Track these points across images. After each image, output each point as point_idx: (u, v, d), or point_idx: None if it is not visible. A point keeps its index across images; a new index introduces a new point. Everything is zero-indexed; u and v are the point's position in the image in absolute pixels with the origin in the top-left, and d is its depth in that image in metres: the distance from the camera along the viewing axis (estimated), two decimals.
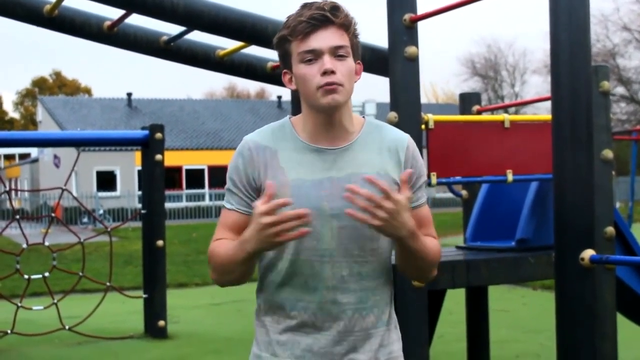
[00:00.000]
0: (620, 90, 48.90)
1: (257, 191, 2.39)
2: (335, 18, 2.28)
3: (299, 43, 2.30)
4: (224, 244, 2.36)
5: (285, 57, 2.36)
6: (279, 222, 2.11)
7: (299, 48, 2.30)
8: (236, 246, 2.26)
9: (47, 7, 4.65)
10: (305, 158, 2.36)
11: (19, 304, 5.04)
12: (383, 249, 2.40)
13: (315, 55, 2.28)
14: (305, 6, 2.32)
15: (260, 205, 2.14)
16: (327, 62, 2.26)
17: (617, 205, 28.75)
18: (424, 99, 62.43)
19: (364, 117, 2.46)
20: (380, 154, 2.39)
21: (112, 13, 4.69)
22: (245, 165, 2.39)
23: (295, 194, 2.31)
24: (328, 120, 2.34)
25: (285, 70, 2.39)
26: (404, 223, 2.19)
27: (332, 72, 2.26)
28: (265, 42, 4.58)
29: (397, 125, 4.15)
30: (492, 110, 8.54)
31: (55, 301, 5.12)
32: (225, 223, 2.43)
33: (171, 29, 4.88)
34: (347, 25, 2.31)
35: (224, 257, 2.32)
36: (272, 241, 2.15)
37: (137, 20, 4.78)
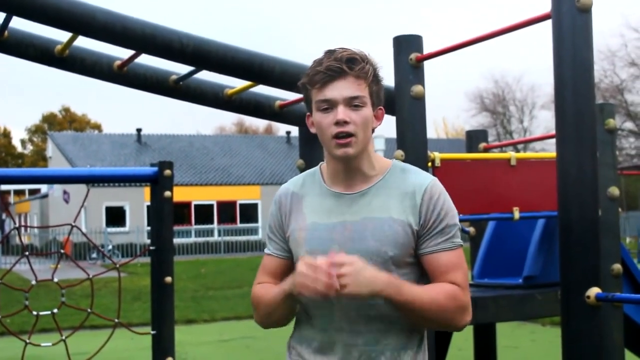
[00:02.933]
0: (628, 125, 48.91)
1: (286, 234, 2.53)
2: (350, 70, 2.34)
3: (316, 92, 2.38)
4: (264, 287, 2.51)
5: (307, 102, 2.46)
6: (312, 275, 2.20)
7: (316, 97, 2.38)
8: (278, 287, 2.41)
9: (58, 47, 4.69)
10: (325, 202, 2.45)
11: (28, 341, 5.03)
12: None
13: (330, 105, 2.35)
14: (326, 54, 2.40)
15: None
16: (341, 112, 2.33)
17: (628, 240, 28.66)
18: (434, 134, 62.52)
19: (393, 160, 2.53)
20: (399, 198, 2.41)
21: (122, 53, 4.75)
22: (277, 212, 2.55)
23: (309, 237, 2.42)
24: (345, 167, 2.42)
25: (308, 114, 2.49)
26: (365, 283, 2.20)
27: (345, 123, 2.33)
28: (273, 82, 4.62)
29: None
30: (502, 147, 8.58)
31: (64, 337, 5.11)
32: (264, 267, 2.59)
33: (180, 68, 4.93)
34: (364, 76, 2.36)
35: (266, 299, 2.46)
36: (305, 288, 2.22)
37: (147, 60, 4.83)
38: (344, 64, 2.34)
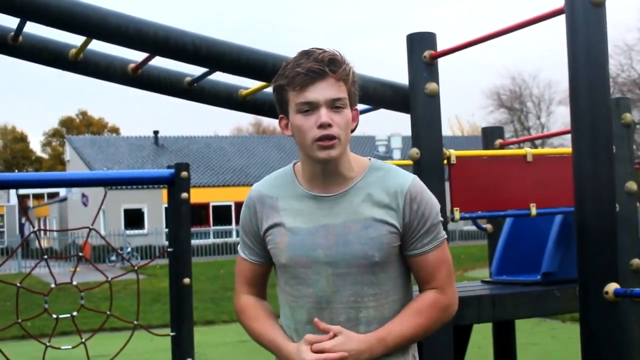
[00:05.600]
0: None
1: (261, 239, 2.47)
2: (332, 72, 2.29)
3: (296, 94, 2.30)
4: (255, 317, 2.53)
5: (282, 104, 2.38)
6: None
7: (296, 99, 2.31)
8: (272, 345, 2.43)
9: (72, 51, 4.71)
10: (303, 205, 2.39)
11: (48, 344, 5.05)
12: (387, 294, 2.40)
13: (312, 107, 2.29)
14: (304, 55, 2.33)
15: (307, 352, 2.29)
16: (324, 115, 2.28)
17: None
18: (449, 132, 62.29)
19: (369, 159, 2.47)
20: (380, 198, 2.37)
21: (136, 56, 4.75)
22: (250, 216, 2.49)
23: (291, 242, 2.36)
24: (324, 169, 2.36)
25: (281, 116, 2.41)
26: (355, 354, 2.28)
27: (329, 125, 2.28)
28: None
29: (419, 161, 4.17)
30: (520, 144, 8.53)
31: (84, 340, 5.13)
32: (243, 273, 2.56)
33: (194, 70, 4.92)
34: (344, 78, 2.32)
35: (257, 336, 2.50)
36: None
37: (161, 62, 4.83)
38: (326, 65, 2.28)
